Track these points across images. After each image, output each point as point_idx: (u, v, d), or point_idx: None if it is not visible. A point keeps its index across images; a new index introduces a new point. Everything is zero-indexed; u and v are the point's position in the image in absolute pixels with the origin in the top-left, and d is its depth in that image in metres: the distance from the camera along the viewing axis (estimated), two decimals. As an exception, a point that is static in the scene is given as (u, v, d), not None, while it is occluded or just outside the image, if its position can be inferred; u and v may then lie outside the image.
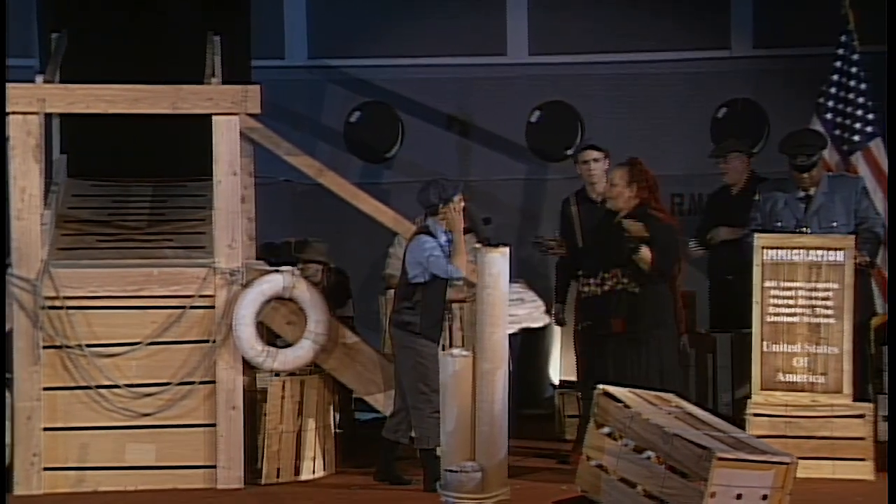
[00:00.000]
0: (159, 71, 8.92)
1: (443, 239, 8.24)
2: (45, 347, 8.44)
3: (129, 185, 9.46)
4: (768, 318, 8.58)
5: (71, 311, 8.46)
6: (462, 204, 8.28)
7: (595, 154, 9.07)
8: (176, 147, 9.42)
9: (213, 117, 8.54)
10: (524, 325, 8.06)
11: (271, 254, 9.41)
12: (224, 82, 8.75)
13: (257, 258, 8.83)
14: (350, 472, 8.74)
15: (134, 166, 9.53)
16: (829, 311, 8.54)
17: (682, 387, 8.40)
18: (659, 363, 8.21)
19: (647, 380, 7.99)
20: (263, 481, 8.55)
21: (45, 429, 8.43)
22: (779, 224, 8.80)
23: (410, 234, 8.43)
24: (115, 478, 8.46)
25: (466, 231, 8.35)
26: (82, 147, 9.74)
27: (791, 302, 8.57)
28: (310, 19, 11.22)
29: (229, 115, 8.53)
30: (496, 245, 7.63)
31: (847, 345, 8.52)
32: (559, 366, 10.55)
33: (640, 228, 8.16)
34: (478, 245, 7.79)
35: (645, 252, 8.19)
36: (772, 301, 8.58)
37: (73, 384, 8.47)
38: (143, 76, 8.65)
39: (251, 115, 8.62)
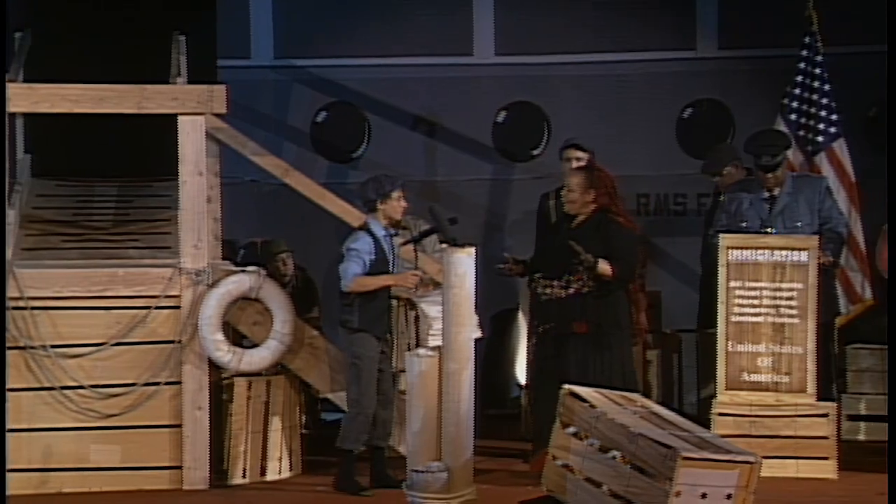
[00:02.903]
0: (124, 70, 8.89)
1: (381, 234, 8.24)
2: (9, 348, 8.37)
3: (94, 184, 9.41)
4: (733, 318, 8.59)
5: (35, 312, 8.41)
6: (402, 200, 8.27)
7: (577, 153, 8.99)
8: (141, 147, 9.38)
9: (179, 117, 8.51)
10: None
11: (232, 252, 9.36)
12: (190, 82, 8.71)
13: (223, 258, 8.78)
14: (316, 473, 8.71)
15: (99, 166, 9.48)
16: (794, 311, 8.56)
17: (641, 388, 8.36)
18: (620, 365, 8.21)
19: (610, 381, 7.96)
20: (229, 482, 8.53)
21: (9, 430, 8.32)
22: (744, 224, 8.80)
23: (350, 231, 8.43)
24: (80, 479, 8.42)
25: (431, 231, 8.26)
26: (46, 147, 9.68)
27: (756, 302, 8.59)
28: (276, 19, 11.17)
29: (195, 115, 8.51)
30: (462, 245, 7.55)
31: (811, 344, 8.53)
32: (525, 366, 10.41)
33: (583, 251, 8.10)
34: (443, 245, 7.69)
35: (604, 267, 8.17)
36: (737, 301, 8.59)
37: (37, 385, 8.42)
38: (107, 75, 8.60)
39: (217, 115, 8.60)
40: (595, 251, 8.15)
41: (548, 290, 8.31)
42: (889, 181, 8.42)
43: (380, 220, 8.28)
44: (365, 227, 8.29)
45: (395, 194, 8.25)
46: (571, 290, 8.22)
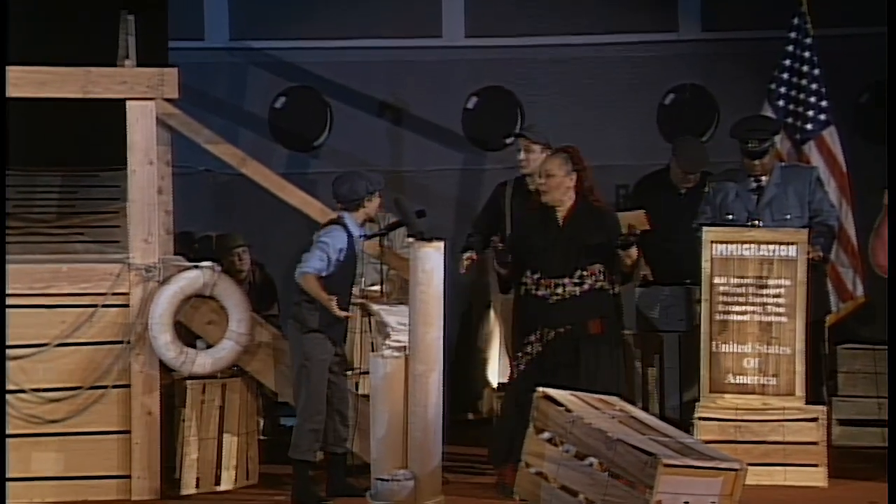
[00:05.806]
0: (68, 52, 8.70)
1: (357, 233, 8.20)
2: (-57, 351, 8.25)
3: (36, 174, 9.35)
4: (717, 317, 8.50)
5: (-28, 311, 8.27)
6: (379, 198, 8.27)
7: (528, 145, 8.71)
8: (87, 134, 9.30)
9: (128, 102, 8.39)
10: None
11: (187, 246, 9.32)
12: (139, 65, 8.60)
13: (175, 253, 8.65)
14: (275, 482, 8.56)
15: (41, 154, 9.41)
16: (781, 310, 8.47)
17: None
18: (623, 364, 8.08)
19: (617, 384, 7.80)
20: (181, 492, 8.40)
21: (-57, 438, 8.25)
22: (730, 217, 8.68)
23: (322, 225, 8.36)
24: (20, 490, 8.21)
25: (397, 225, 8.16)
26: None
27: (741, 299, 8.50)
28: (231, -3, 11.29)
29: (144, 100, 8.40)
30: (430, 239, 7.49)
31: (800, 345, 8.45)
32: (497, 368, 10.40)
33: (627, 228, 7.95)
34: (410, 239, 7.63)
35: (634, 249, 7.87)
36: (721, 298, 8.50)
37: (-27, 389, 8.28)
38: (50, 57, 8.44)
39: (168, 100, 8.49)
40: (596, 240, 7.88)
41: (559, 290, 7.91)
42: (889, 179, 8.35)
43: (356, 218, 8.20)
44: (340, 222, 8.19)
45: (377, 195, 8.24)
46: (586, 287, 7.89)
